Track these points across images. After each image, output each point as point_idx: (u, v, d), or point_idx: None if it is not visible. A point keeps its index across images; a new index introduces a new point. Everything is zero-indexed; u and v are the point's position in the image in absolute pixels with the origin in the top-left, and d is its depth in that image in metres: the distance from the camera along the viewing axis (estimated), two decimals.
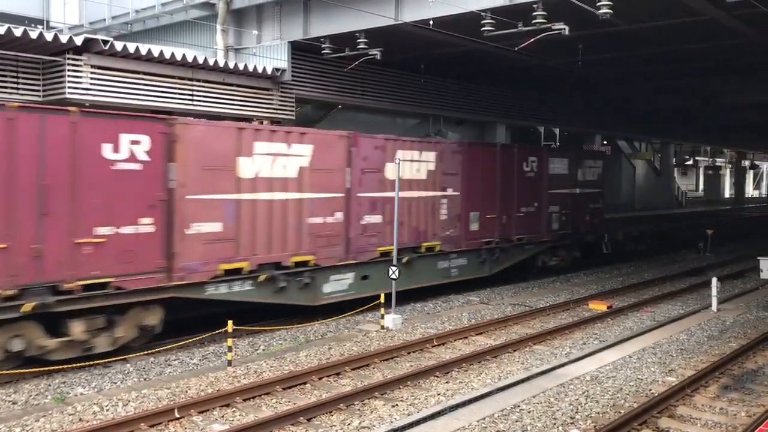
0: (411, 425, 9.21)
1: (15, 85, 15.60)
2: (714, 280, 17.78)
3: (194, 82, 17.77)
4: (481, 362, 12.46)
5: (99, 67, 15.98)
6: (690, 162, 63.33)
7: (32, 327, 11.20)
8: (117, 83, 16.32)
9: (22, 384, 10.92)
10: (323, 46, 18.44)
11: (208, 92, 18.08)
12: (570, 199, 24.19)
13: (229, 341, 11.77)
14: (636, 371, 12.04)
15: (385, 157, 17.38)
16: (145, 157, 12.48)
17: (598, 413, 9.88)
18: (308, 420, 9.36)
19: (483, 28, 15.30)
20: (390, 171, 17.01)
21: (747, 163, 62.72)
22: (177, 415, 9.34)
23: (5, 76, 15.40)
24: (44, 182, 11.14)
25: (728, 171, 68.59)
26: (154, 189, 12.58)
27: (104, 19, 22.18)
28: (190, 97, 17.74)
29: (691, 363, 12.63)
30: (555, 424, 9.41)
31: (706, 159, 63.47)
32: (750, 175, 70.94)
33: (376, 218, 16.84)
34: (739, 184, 59.82)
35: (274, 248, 14.54)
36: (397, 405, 10.07)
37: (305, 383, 10.96)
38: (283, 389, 10.62)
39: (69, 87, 15.48)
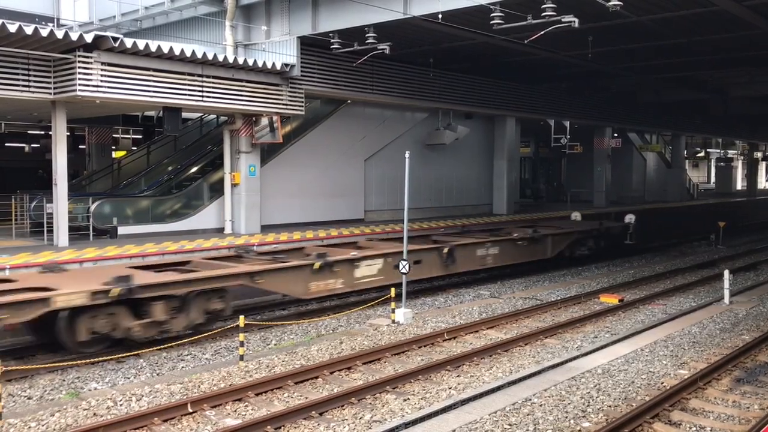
0: (422, 419, 9.21)
1: (26, 83, 15.70)
2: (726, 273, 17.68)
3: (203, 79, 17.82)
4: (492, 356, 12.45)
5: (109, 64, 16.06)
6: (701, 154, 62.90)
7: None
8: (127, 80, 16.39)
9: (37, 379, 11.02)
10: (332, 41, 18.44)
11: (218, 88, 18.13)
12: None
13: (241, 336, 11.81)
14: (648, 364, 12.00)
15: None
16: None
17: (610, 406, 9.86)
18: (320, 414, 9.39)
19: (492, 21, 15.26)
20: None
21: (759, 154, 62.25)
22: (190, 410, 9.38)
23: (17, 73, 15.50)
24: None
25: (740, 163, 68.08)
26: None
27: (114, 16, 22.27)
28: (200, 94, 17.79)
29: (703, 356, 12.58)
30: (567, 417, 9.40)
31: (718, 151, 63.04)
32: (762, 167, 70.44)
33: None
34: (751, 176, 59.38)
35: None
36: (408, 399, 10.08)
37: (317, 377, 10.99)
38: (295, 383, 10.65)
39: (79, 84, 15.56)
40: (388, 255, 16.51)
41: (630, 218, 25.50)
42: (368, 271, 16.02)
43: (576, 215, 26.79)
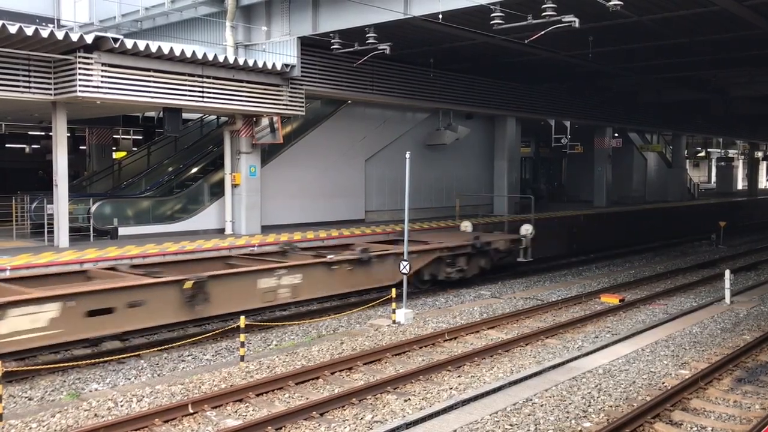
0: (423, 419, 9.21)
1: (27, 84, 15.70)
2: (727, 273, 17.68)
3: (204, 79, 17.81)
4: (493, 356, 12.45)
5: (109, 65, 16.05)
6: (702, 154, 62.87)
7: None
8: (127, 81, 16.38)
9: (38, 380, 11.02)
10: (332, 41, 18.43)
11: (218, 89, 18.12)
12: None
13: (242, 337, 11.82)
14: (649, 364, 11.99)
15: None
16: None
17: (611, 407, 9.86)
18: (321, 415, 9.39)
19: (492, 21, 15.25)
20: None
21: (760, 154, 62.22)
22: (191, 411, 9.39)
23: (17, 74, 15.49)
24: None
25: (741, 162, 68.06)
26: None
27: (114, 17, 22.26)
28: (200, 94, 17.79)
29: (704, 356, 12.57)
30: (568, 417, 9.40)
31: (719, 150, 63.02)
32: (763, 167, 70.39)
33: None
34: (751, 176, 59.39)
35: None
36: (409, 399, 10.08)
37: (318, 378, 10.99)
38: (296, 384, 10.65)
39: (80, 85, 15.55)
40: (71, 297, 11.28)
41: (526, 230, 21.05)
42: (26, 323, 10.70)
43: (466, 225, 22.21)
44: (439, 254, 18.32)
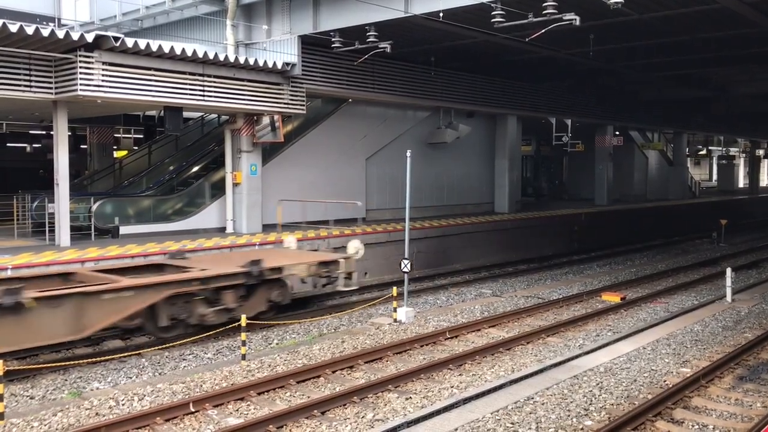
0: (425, 418, 9.22)
1: (28, 83, 15.70)
2: (728, 271, 17.67)
3: (205, 78, 17.81)
4: (494, 354, 12.45)
5: (110, 64, 16.05)
6: (703, 152, 62.84)
7: None
8: (128, 79, 16.38)
9: (39, 379, 11.04)
10: (333, 39, 18.41)
11: (219, 88, 18.12)
12: None
13: (243, 335, 11.82)
14: (650, 362, 11.99)
15: None
16: None
17: (613, 405, 9.86)
18: (322, 413, 9.40)
19: (493, 20, 15.23)
20: None
21: (761, 152, 62.15)
22: (192, 410, 9.40)
23: (18, 73, 15.49)
24: None
25: (742, 160, 68.00)
26: None
27: (115, 16, 22.24)
28: (201, 93, 17.78)
29: (705, 354, 12.57)
30: (569, 415, 9.40)
31: (720, 149, 62.95)
32: (764, 165, 70.32)
33: None
34: (753, 174, 59.33)
35: None
36: (410, 398, 10.09)
37: (319, 377, 11.00)
38: (297, 383, 10.66)
39: (81, 84, 15.55)
40: None
41: (354, 248, 16.28)
42: None
43: (290, 241, 17.47)
44: (176, 289, 12.71)
